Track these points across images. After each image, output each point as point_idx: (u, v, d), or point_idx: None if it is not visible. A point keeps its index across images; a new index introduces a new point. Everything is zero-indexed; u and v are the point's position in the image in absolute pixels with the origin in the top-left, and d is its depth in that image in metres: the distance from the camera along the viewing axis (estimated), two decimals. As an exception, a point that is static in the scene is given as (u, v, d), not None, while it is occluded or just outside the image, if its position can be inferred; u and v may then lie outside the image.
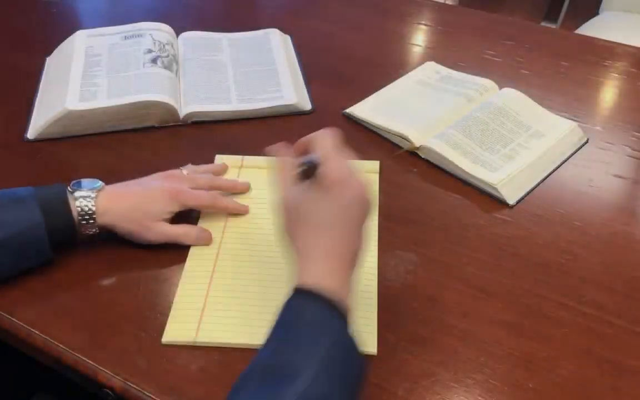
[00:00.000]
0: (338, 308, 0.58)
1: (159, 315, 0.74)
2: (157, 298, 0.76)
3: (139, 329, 0.73)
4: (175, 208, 0.80)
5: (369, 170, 0.93)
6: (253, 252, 0.79)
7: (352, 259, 0.63)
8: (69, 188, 0.77)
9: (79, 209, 0.76)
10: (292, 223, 0.64)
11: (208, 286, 0.76)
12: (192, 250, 0.80)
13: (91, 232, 0.78)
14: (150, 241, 0.79)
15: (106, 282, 0.78)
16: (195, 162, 0.90)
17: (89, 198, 0.76)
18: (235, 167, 0.93)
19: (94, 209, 0.76)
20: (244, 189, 0.88)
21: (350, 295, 0.61)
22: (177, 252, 0.81)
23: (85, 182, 0.79)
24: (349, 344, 0.57)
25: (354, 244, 0.63)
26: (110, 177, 0.83)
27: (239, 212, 0.84)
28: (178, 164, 0.89)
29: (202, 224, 0.84)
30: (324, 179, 0.63)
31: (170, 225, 0.80)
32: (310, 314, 0.57)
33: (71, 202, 0.76)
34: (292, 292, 0.59)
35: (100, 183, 0.79)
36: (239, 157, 0.94)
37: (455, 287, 0.77)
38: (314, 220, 0.63)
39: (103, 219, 0.77)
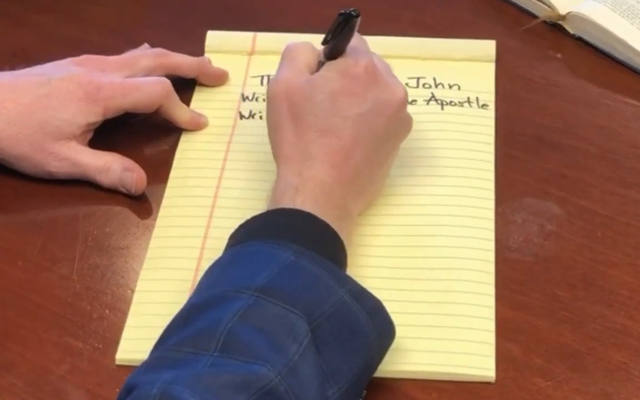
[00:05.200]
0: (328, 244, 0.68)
1: (108, 313, 0.73)
2: (104, 282, 0.75)
3: (73, 337, 0.71)
4: (94, 116, 0.80)
5: (477, 57, 0.91)
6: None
7: (363, 186, 0.74)
8: None
9: None
10: (288, 118, 0.74)
11: (194, 274, 0.75)
12: (165, 207, 0.80)
13: None
14: (51, 174, 0.80)
15: (11, 251, 0.77)
16: (169, 43, 0.89)
17: None
18: (242, 52, 0.92)
19: None
20: (217, 77, 0.90)
21: (345, 234, 0.70)
22: (138, 198, 0.81)
23: None
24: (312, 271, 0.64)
25: (370, 165, 0.74)
26: (16, 65, 0.83)
27: (194, 126, 0.85)
28: (137, 43, 0.89)
29: (182, 155, 0.84)
30: (349, 67, 0.74)
31: (85, 149, 0.80)
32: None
33: None
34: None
35: None
36: (249, 34, 0.92)
37: (628, 262, 0.75)
38: (319, 119, 0.73)
39: None
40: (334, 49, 0.77)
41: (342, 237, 0.69)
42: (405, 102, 0.77)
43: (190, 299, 0.65)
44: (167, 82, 0.83)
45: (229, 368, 0.57)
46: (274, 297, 0.61)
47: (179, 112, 0.84)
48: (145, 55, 0.86)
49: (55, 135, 0.79)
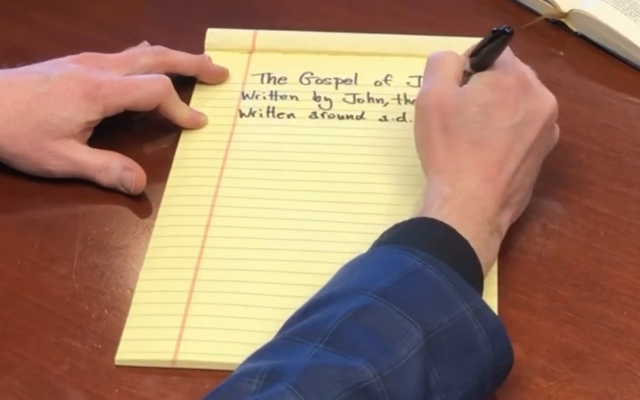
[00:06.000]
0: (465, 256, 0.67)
1: (107, 313, 0.73)
2: (103, 282, 0.75)
3: (71, 337, 0.71)
4: (93, 115, 0.80)
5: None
6: (270, 217, 0.78)
7: (513, 199, 0.73)
8: None
9: None
10: (439, 130, 0.74)
11: (194, 273, 0.75)
12: (164, 206, 0.80)
13: None
14: (50, 173, 0.80)
15: (9, 250, 0.77)
16: (168, 41, 0.89)
17: None
18: (243, 50, 0.92)
19: None
20: (217, 75, 0.89)
21: (492, 251, 0.71)
22: (138, 197, 0.80)
23: None
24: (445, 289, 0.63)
25: (521, 177, 0.73)
26: (15, 63, 0.83)
27: (193, 125, 0.85)
28: (136, 40, 0.89)
29: (182, 154, 0.84)
30: (500, 79, 0.75)
31: (84, 147, 0.80)
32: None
33: None
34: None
35: None
36: (250, 31, 0.92)
37: (631, 262, 0.75)
38: (472, 131, 0.73)
39: None
40: (483, 61, 0.77)
41: (490, 254, 0.70)
42: (556, 111, 0.76)
43: (316, 293, 0.65)
44: (167, 80, 0.83)
45: (329, 360, 0.58)
46: (391, 301, 0.61)
47: (178, 110, 0.84)
48: (144, 52, 0.86)
49: (54, 133, 0.79)
